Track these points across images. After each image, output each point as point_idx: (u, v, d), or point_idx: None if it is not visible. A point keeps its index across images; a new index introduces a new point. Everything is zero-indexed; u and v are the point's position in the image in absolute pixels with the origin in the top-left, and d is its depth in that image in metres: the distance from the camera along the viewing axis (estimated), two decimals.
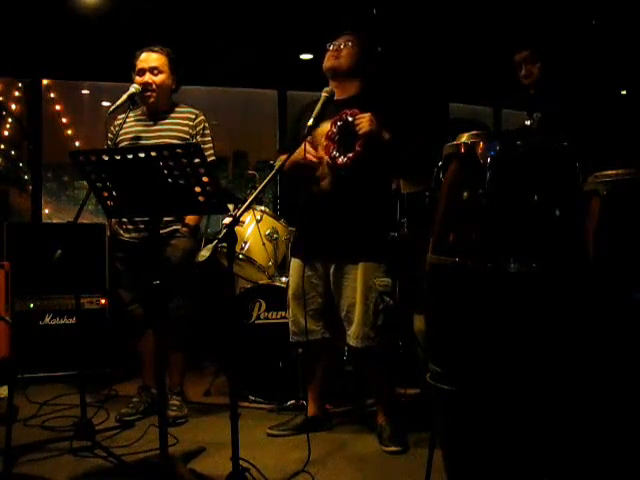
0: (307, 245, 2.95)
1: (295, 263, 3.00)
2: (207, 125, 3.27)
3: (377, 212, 2.92)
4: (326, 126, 2.84)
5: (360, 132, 2.71)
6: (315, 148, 2.85)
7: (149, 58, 3.18)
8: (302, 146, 2.73)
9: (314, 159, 2.80)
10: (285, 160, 2.58)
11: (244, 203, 2.28)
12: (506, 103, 6.28)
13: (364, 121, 2.70)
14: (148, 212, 2.33)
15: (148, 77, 3.16)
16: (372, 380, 3.02)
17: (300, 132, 2.75)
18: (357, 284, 2.81)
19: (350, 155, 2.77)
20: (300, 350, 3.18)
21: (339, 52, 2.90)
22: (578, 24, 4.52)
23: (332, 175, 2.84)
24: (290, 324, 3.01)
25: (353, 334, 2.82)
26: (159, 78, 3.18)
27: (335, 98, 2.87)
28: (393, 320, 2.92)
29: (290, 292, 3.01)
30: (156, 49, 3.21)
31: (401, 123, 2.85)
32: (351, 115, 2.77)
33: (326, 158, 2.83)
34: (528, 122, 2.85)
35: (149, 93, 3.17)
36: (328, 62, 2.92)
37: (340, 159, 2.79)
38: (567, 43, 3.11)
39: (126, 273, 3.26)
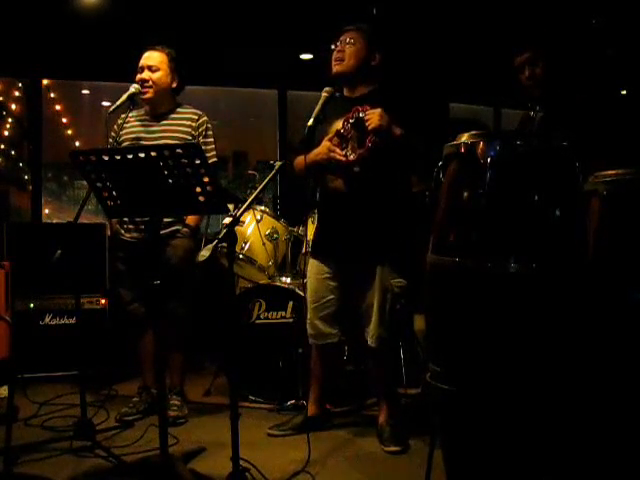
0: (324, 246, 2.95)
1: (313, 264, 2.98)
2: (210, 126, 3.29)
3: (394, 212, 2.88)
4: (338, 124, 2.82)
5: (369, 127, 2.67)
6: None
7: (148, 56, 3.23)
8: (322, 145, 2.72)
9: (341, 157, 2.76)
10: (291, 161, 2.57)
11: (244, 203, 2.28)
12: (506, 103, 6.28)
13: (374, 116, 2.67)
14: (148, 212, 2.33)
15: (145, 74, 3.20)
16: (375, 379, 3.02)
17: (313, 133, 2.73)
18: (375, 285, 2.81)
19: (360, 151, 2.74)
20: (300, 350, 3.18)
21: (343, 53, 2.86)
22: (578, 24, 4.52)
23: (346, 174, 2.80)
24: (308, 327, 2.98)
25: (370, 334, 2.83)
26: (156, 75, 3.20)
27: (348, 96, 2.86)
28: (403, 321, 2.92)
29: (309, 294, 2.99)
30: (157, 48, 3.25)
31: (412, 120, 2.81)
32: (362, 111, 2.74)
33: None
34: (532, 113, 2.84)
35: (145, 89, 3.19)
36: (334, 68, 2.89)
37: (352, 156, 2.76)
38: (567, 43, 3.10)
39: (127, 273, 3.27)
